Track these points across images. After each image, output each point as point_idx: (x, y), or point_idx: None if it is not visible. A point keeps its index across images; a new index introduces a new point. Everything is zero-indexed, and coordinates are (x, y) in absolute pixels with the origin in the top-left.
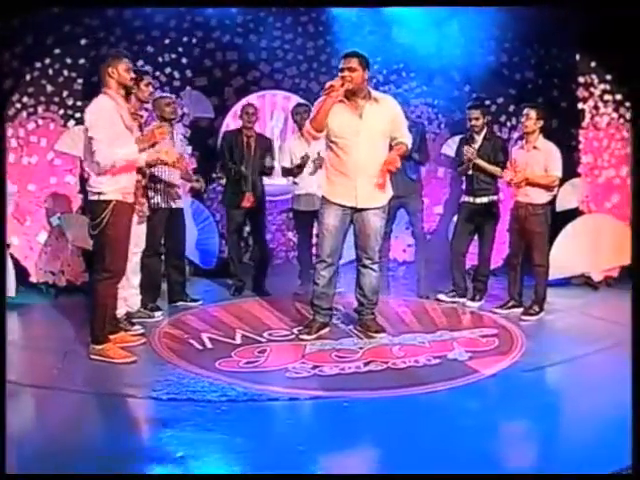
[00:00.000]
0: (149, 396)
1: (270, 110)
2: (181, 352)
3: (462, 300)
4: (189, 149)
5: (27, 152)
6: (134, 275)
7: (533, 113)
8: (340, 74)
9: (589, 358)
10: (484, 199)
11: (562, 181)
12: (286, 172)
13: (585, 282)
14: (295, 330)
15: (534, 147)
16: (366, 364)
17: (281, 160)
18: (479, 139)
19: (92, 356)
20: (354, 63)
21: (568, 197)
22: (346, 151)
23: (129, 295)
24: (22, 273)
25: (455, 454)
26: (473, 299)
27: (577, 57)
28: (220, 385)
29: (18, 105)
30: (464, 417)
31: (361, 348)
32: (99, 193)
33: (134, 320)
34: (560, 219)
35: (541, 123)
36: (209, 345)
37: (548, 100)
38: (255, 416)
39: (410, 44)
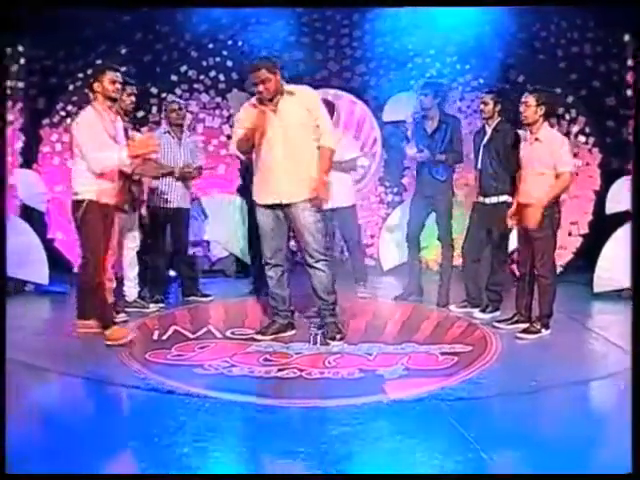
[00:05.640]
0: (65, 372)
1: None
2: (132, 341)
3: (473, 311)
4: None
5: (70, 155)
6: (130, 268)
7: (532, 100)
8: (255, 88)
9: (541, 394)
10: (493, 199)
11: (613, 179)
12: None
13: None
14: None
15: (536, 139)
16: (280, 370)
17: None
18: (489, 130)
19: (79, 330)
20: (264, 75)
21: (618, 198)
22: (266, 149)
23: (125, 287)
24: (65, 264)
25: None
26: (484, 310)
27: (626, 37)
28: (128, 373)
29: (63, 113)
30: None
31: (298, 354)
32: (75, 193)
33: (128, 309)
34: (609, 223)
35: (543, 110)
36: (165, 337)
37: (596, 87)
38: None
39: (462, 37)
